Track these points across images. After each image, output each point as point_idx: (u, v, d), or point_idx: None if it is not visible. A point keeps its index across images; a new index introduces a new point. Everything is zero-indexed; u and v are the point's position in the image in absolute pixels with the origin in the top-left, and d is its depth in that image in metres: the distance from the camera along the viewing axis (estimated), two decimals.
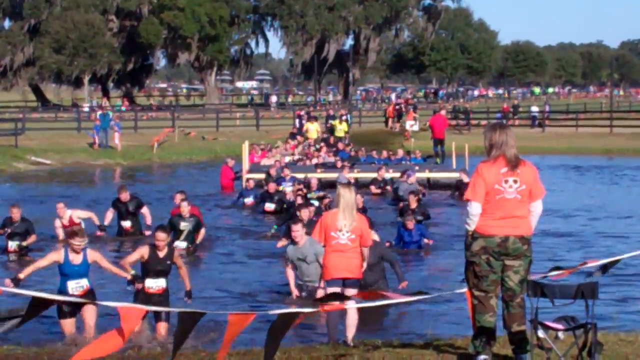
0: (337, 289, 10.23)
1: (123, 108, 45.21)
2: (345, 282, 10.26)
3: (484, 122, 54.42)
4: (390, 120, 57.23)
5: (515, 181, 7.77)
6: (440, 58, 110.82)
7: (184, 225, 17.63)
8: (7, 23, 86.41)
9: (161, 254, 11.31)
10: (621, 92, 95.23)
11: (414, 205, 20.23)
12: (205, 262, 17.34)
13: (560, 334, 8.15)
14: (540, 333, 7.46)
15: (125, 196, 19.33)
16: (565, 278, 9.13)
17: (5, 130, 44.01)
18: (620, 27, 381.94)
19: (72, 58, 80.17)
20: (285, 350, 9.01)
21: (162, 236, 11.32)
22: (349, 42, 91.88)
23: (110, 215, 19.42)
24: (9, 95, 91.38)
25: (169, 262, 11.35)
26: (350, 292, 10.36)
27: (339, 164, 30.25)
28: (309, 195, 22.55)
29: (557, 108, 72.24)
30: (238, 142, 37.80)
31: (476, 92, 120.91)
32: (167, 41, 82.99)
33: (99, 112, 46.44)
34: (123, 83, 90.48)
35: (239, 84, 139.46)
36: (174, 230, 16.93)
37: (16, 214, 17.41)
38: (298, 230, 12.86)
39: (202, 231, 17.94)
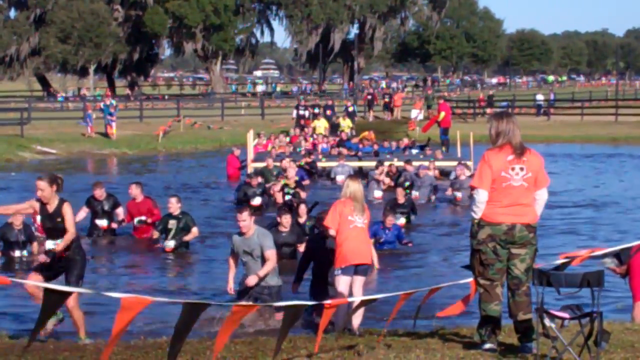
0: (350, 277, 10.25)
1: (113, 101, 45.33)
2: (357, 269, 10.30)
3: (489, 111, 54.31)
4: (396, 110, 56.97)
5: (521, 168, 7.76)
6: (446, 46, 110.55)
7: (172, 224, 16.73)
8: (12, 13, 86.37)
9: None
10: (615, 80, 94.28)
11: (401, 199, 19.57)
12: (194, 259, 16.88)
13: (566, 323, 8.14)
14: (546, 322, 7.45)
15: (100, 193, 18.08)
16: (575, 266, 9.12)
17: (11, 120, 44.05)
18: (625, 16, 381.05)
19: (78, 48, 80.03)
20: (291, 339, 9.02)
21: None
22: (354, 30, 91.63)
23: (82, 214, 17.71)
24: (15, 85, 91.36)
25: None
26: (361, 279, 10.38)
27: (343, 153, 30.34)
28: (286, 190, 21.96)
29: (562, 96, 72.07)
30: (243, 131, 37.74)
31: (494, 80, 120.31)
32: (172, 30, 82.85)
33: (102, 102, 46.36)
34: (128, 73, 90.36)
35: (258, 73, 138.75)
36: (164, 229, 16.71)
37: (18, 220, 16.31)
38: (245, 219, 11.66)
39: (194, 230, 16.86)
